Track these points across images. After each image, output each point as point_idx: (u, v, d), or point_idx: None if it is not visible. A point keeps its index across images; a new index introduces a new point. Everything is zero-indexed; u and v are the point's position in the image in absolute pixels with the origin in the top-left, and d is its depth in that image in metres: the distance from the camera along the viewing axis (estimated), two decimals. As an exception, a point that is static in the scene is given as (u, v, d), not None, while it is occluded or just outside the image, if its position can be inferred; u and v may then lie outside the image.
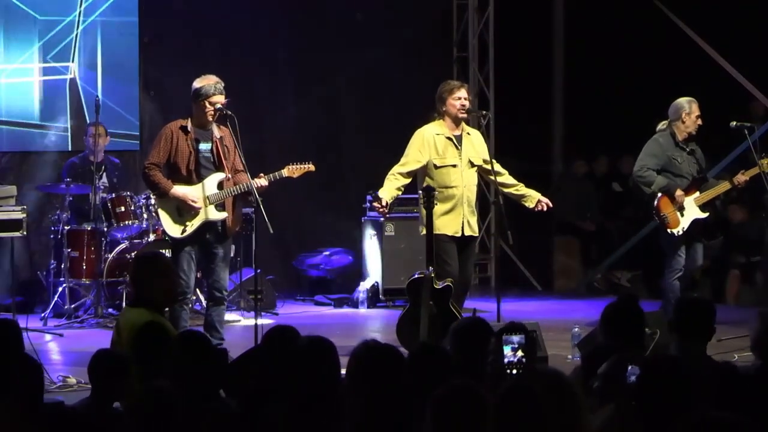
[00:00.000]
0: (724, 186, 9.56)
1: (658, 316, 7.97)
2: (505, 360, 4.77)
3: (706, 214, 9.50)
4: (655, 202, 9.43)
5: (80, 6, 11.81)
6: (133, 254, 10.41)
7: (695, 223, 9.44)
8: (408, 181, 8.75)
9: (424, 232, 8.53)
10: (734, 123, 9.53)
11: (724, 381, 4.48)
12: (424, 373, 4.53)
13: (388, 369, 4.42)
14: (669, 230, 9.40)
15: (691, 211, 9.44)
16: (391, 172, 8.73)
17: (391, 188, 8.66)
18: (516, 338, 4.80)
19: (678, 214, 9.40)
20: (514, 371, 4.75)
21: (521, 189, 8.89)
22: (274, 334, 5.12)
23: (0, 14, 11.59)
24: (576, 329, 8.46)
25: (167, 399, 4.34)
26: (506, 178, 8.91)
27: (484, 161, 8.77)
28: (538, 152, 13.69)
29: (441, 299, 8.26)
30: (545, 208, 8.86)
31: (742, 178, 9.46)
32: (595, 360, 5.00)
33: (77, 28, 11.79)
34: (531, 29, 13.60)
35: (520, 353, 4.78)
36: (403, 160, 8.74)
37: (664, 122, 9.56)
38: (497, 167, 8.82)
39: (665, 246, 9.56)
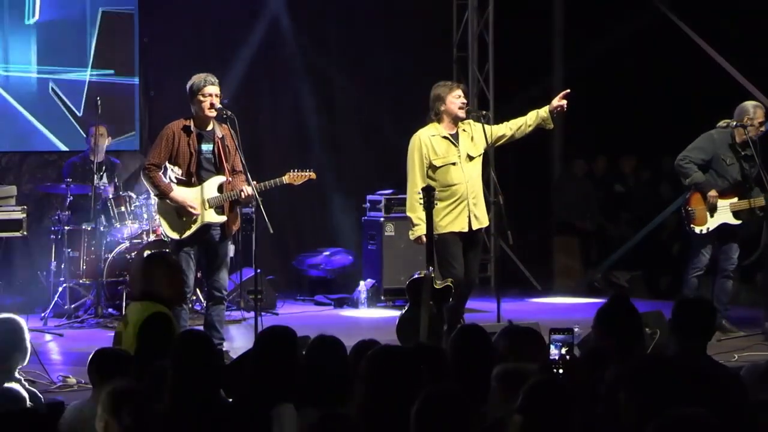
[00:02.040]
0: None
1: (658, 316, 7.96)
2: (551, 358, 4.90)
3: (738, 222, 9.44)
4: (687, 195, 9.44)
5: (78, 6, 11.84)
6: (133, 254, 10.42)
7: (724, 227, 9.42)
8: None
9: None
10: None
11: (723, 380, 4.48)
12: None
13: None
14: (692, 226, 9.40)
15: (723, 215, 9.40)
16: (411, 196, 8.54)
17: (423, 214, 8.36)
18: (561, 337, 5.04)
19: (707, 213, 9.38)
20: (560, 370, 4.90)
21: (530, 120, 8.75)
22: (268, 334, 5.11)
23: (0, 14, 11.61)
24: (576, 329, 8.44)
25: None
26: (513, 125, 8.77)
27: (485, 148, 8.70)
28: (538, 152, 13.68)
29: (441, 299, 8.25)
30: (564, 105, 8.69)
31: None
32: (595, 360, 4.99)
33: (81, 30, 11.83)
34: (531, 29, 13.60)
35: (563, 350, 4.91)
36: (413, 178, 8.58)
37: (725, 120, 9.51)
38: (499, 131, 8.73)
39: (691, 242, 9.57)
